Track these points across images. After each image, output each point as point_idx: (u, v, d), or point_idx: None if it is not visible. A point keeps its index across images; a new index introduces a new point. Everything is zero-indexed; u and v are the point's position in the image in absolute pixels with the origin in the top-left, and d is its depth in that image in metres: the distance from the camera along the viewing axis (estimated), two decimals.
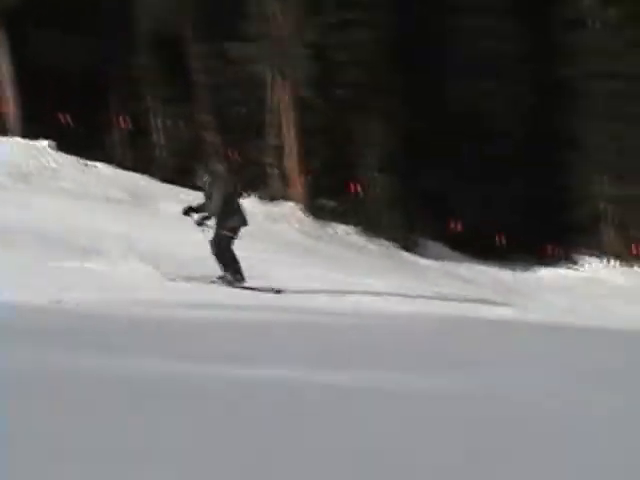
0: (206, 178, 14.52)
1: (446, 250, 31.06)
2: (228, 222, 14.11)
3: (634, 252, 33.08)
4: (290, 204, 30.53)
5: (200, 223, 14.13)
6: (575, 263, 33.41)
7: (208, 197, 14.18)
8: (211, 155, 31.27)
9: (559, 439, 5.60)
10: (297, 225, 29.37)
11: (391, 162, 31.12)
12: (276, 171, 31.52)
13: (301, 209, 30.35)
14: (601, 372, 9.33)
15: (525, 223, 32.29)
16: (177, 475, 4.05)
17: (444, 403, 6.35)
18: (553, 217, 32.98)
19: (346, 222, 30.33)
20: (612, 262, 33.26)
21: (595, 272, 32.54)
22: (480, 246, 30.85)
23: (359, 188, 30.90)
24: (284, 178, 31.36)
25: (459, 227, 31.19)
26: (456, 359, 9.12)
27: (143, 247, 15.75)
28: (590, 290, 29.84)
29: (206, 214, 14.10)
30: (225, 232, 14.08)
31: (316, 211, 30.48)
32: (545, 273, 32.10)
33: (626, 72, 32.98)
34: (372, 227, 30.26)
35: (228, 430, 4.94)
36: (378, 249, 29.39)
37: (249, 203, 30.01)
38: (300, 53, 30.57)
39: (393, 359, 8.57)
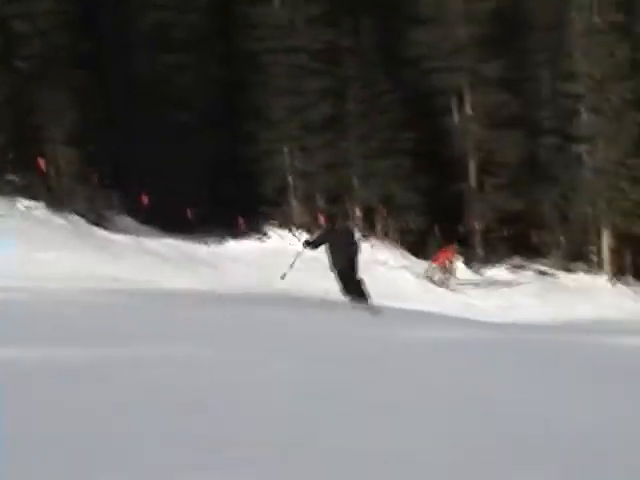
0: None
1: (135, 224, 30.93)
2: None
3: (320, 222, 34.19)
4: None
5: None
6: (264, 235, 34.15)
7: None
8: None
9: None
10: None
11: (77, 135, 30.63)
12: None
13: None
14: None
15: (215, 196, 32.75)
16: None
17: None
18: (242, 190, 33.57)
19: (32, 197, 29.54)
20: (299, 233, 34.23)
21: (283, 243, 33.40)
22: (170, 220, 30.84)
23: (45, 162, 30.18)
24: None
25: (148, 200, 30.90)
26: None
27: None
28: (277, 261, 30.64)
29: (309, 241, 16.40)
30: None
31: (1, 186, 29.56)
32: (236, 246, 32.63)
33: (307, 48, 34.08)
34: (58, 201, 29.67)
35: None
36: (65, 224, 28.79)
37: None
38: None
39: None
